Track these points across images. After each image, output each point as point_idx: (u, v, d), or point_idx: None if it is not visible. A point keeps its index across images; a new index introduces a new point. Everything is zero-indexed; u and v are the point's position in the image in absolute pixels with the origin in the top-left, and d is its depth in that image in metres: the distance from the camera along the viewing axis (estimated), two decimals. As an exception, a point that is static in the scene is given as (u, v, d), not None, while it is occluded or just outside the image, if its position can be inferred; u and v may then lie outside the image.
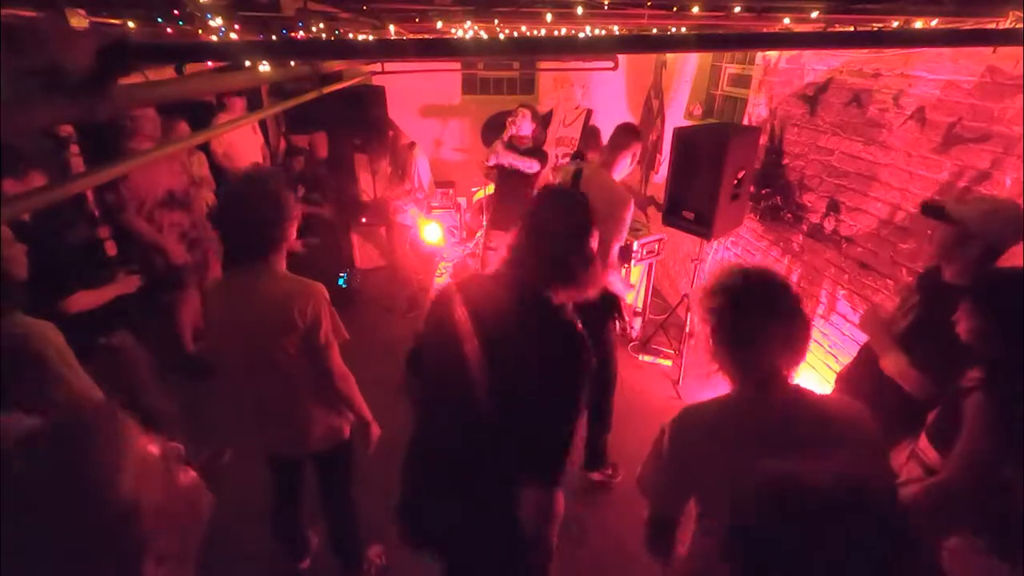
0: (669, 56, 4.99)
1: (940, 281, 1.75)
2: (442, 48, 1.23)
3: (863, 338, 2.66)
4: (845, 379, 2.15)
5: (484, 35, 3.34)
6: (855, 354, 2.16)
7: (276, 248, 1.64)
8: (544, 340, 1.28)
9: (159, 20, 2.59)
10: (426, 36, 3.81)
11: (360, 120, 4.51)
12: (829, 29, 2.78)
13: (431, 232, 4.86)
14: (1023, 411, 1.30)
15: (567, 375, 1.27)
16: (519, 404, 1.27)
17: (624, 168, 2.67)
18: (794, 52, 3.23)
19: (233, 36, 2.15)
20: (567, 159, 5.69)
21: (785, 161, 3.29)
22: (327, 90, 2.56)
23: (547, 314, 1.31)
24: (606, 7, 2.30)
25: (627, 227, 2.55)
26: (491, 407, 1.27)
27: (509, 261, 1.36)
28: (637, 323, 4.22)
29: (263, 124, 4.66)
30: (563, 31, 3.44)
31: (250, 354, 1.69)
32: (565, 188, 1.43)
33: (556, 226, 1.32)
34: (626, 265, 3.80)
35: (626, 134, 2.67)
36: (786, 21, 2.49)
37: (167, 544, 0.60)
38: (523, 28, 3.45)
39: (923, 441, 1.65)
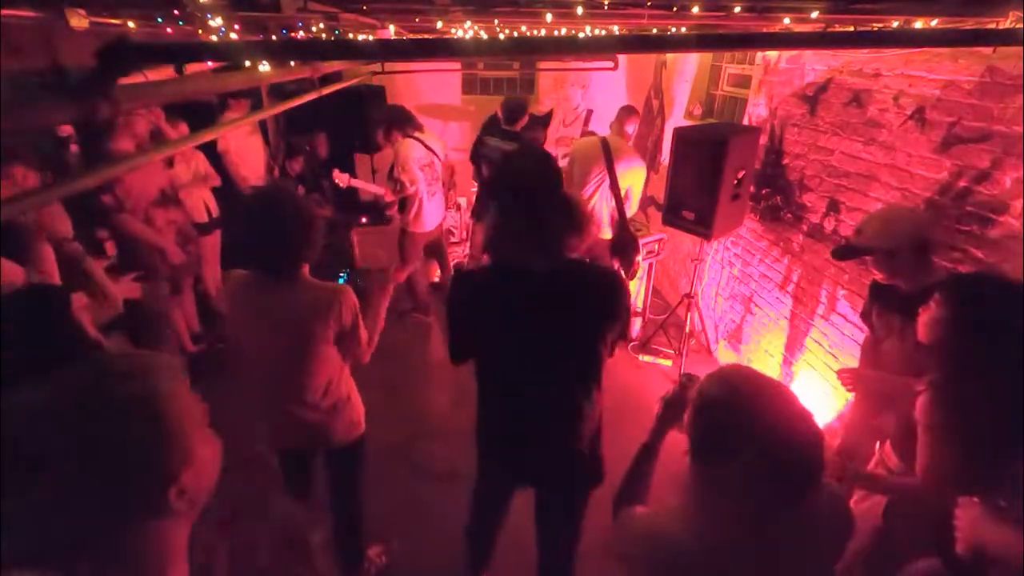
0: (669, 56, 5.00)
1: (905, 296, 1.80)
2: (442, 48, 1.23)
3: (862, 338, 2.67)
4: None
5: (484, 35, 3.34)
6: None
7: (305, 262, 1.68)
8: (590, 290, 1.42)
9: (159, 20, 2.60)
10: (426, 36, 3.81)
11: (360, 120, 4.51)
12: (829, 29, 2.78)
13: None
14: (971, 410, 1.32)
15: (617, 307, 1.45)
16: (576, 347, 1.45)
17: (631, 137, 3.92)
18: (794, 52, 3.23)
19: (233, 36, 2.15)
20: (567, 159, 5.69)
21: (785, 161, 3.29)
22: (327, 90, 2.56)
23: (580, 267, 1.44)
24: (606, 7, 2.30)
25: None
26: (549, 360, 1.45)
27: (502, 238, 1.45)
28: (637, 323, 4.22)
29: (263, 124, 4.65)
30: (563, 31, 3.44)
31: (280, 355, 1.71)
32: (527, 150, 1.63)
33: (543, 182, 1.42)
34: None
35: (629, 111, 3.89)
36: (786, 21, 2.49)
37: (189, 483, 0.68)
38: (523, 28, 3.45)
39: (887, 447, 1.67)
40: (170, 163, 3.35)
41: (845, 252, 1.96)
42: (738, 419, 0.92)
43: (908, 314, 1.77)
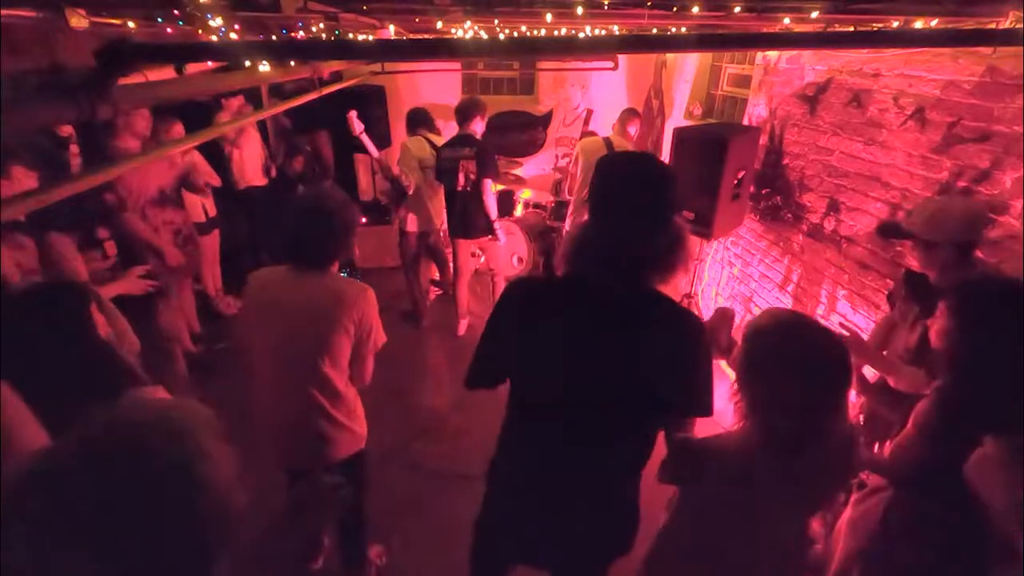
0: (669, 56, 5.00)
1: (933, 289, 1.77)
2: (442, 48, 1.24)
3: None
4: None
5: (484, 35, 3.34)
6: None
7: (337, 259, 1.74)
8: (666, 336, 1.16)
9: (159, 20, 2.59)
10: (426, 36, 3.81)
11: (360, 120, 4.50)
12: (829, 29, 2.78)
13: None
14: (970, 419, 1.32)
15: (701, 363, 1.18)
16: (648, 400, 1.18)
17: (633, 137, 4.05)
18: (794, 52, 3.23)
19: (233, 36, 2.15)
20: (567, 159, 5.70)
21: (785, 161, 3.29)
22: (327, 90, 2.56)
23: (667, 302, 1.18)
24: (606, 7, 2.30)
25: None
26: (613, 411, 1.19)
27: (589, 249, 1.16)
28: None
29: (263, 124, 4.65)
30: (563, 31, 3.44)
31: (297, 346, 1.69)
32: (639, 152, 1.31)
33: (646, 199, 1.13)
34: None
35: (631, 113, 4.09)
36: (786, 21, 2.49)
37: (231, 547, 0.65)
38: (523, 28, 3.45)
39: (887, 448, 1.67)
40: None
41: (888, 230, 1.90)
42: (782, 337, 1.14)
43: (929, 307, 1.73)
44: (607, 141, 3.91)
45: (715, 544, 1.30)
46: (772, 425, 1.14)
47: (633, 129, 4.03)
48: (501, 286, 3.67)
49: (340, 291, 1.68)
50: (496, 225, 3.65)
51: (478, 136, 3.52)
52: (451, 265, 4.19)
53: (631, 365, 1.15)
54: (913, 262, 1.82)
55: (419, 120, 3.89)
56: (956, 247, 1.67)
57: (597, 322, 1.15)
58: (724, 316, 1.58)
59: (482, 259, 4.22)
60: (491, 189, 3.53)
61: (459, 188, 3.52)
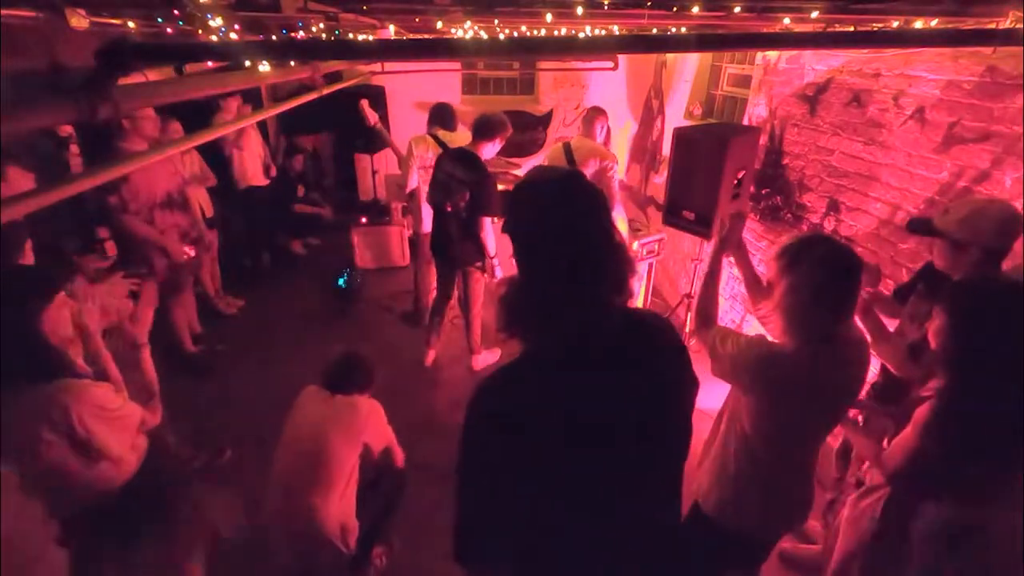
0: (669, 56, 5.00)
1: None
2: (442, 48, 1.23)
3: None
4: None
5: (484, 35, 3.34)
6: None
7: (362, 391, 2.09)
8: (660, 361, 1.02)
9: (159, 20, 2.60)
10: (426, 36, 3.81)
11: (361, 120, 4.51)
12: (829, 29, 2.78)
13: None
14: (967, 419, 1.34)
15: (691, 382, 1.06)
16: (667, 442, 1.04)
17: (599, 137, 3.58)
18: (794, 52, 3.23)
19: (233, 36, 2.15)
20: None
21: (785, 161, 3.29)
22: (327, 90, 2.57)
23: (644, 318, 1.05)
24: (606, 7, 2.31)
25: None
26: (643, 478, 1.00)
27: (543, 305, 0.94)
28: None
29: (263, 124, 4.65)
30: (563, 31, 3.44)
31: (311, 449, 1.91)
32: (556, 168, 1.11)
33: (587, 230, 0.95)
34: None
35: (596, 112, 3.61)
36: (786, 21, 2.49)
37: None
38: (523, 28, 3.45)
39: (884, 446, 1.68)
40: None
41: (919, 226, 1.80)
42: (808, 245, 1.40)
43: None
44: (566, 147, 3.44)
45: (776, 475, 1.52)
46: (818, 321, 1.38)
47: (600, 126, 3.56)
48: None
49: (354, 406, 1.99)
50: (495, 262, 3.22)
51: (483, 159, 3.07)
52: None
53: (656, 400, 0.99)
54: (938, 260, 1.75)
55: (434, 117, 3.68)
56: (985, 251, 1.61)
57: (605, 380, 0.94)
58: (740, 216, 2.02)
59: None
60: (490, 226, 3.11)
61: (446, 208, 3.09)
